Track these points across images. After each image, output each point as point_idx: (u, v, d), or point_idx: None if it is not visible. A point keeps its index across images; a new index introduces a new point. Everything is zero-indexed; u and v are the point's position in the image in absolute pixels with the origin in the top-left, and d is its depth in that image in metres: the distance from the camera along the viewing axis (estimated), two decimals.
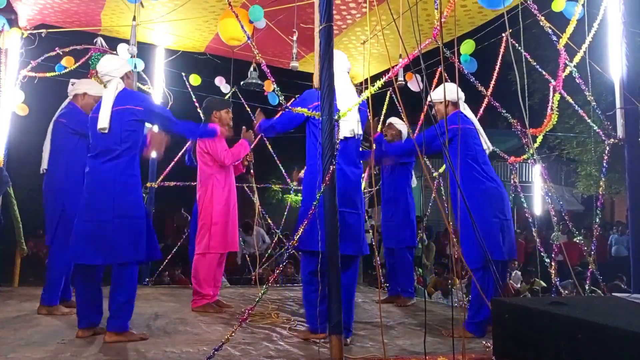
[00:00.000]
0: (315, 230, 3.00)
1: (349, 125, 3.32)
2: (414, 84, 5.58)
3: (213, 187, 4.33)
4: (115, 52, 5.63)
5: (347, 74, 3.53)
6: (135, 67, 5.66)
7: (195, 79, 6.41)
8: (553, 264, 4.18)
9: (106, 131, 3.20)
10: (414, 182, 5.12)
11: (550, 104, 3.90)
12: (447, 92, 3.64)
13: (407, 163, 4.91)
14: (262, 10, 4.48)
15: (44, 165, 4.08)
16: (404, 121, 5.07)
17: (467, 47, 5.01)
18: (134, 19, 4.51)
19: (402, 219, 4.84)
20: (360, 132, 3.42)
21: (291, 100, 6.77)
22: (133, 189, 3.26)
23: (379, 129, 5.52)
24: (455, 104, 3.77)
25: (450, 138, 3.59)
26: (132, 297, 3.22)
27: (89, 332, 3.24)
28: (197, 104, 6.35)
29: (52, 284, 3.94)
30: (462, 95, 3.83)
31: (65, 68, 5.47)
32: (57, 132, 4.06)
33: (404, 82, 5.46)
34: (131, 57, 4.40)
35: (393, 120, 5.17)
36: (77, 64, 5.54)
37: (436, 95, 3.84)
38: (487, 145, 3.81)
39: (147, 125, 3.59)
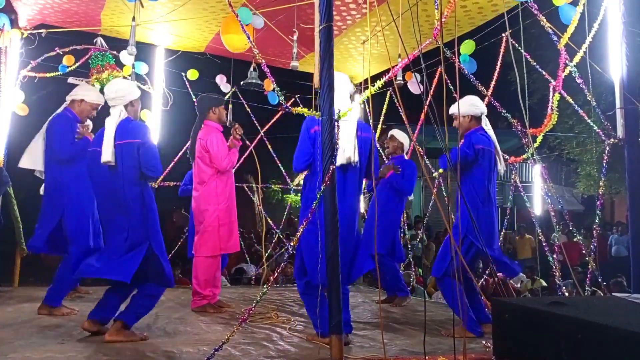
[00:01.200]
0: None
1: (346, 152, 3.16)
2: (414, 86, 5.57)
3: (217, 187, 4.29)
4: (115, 52, 5.64)
5: (348, 99, 3.32)
6: (133, 67, 5.68)
7: (192, 74, 6.41)
8: (557, 264, 4.18)
9: (112, 164, 3.18)
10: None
11: (550, 104, 3.90)
12: (470, 107, 3.62)
13: (403, 197, 4.92)
14: (250, 13, 4.46)
15: (39, 166, 4.07)
16: (404, 123, 5.05)
17: (467, 47, 5.01)
18: (134, 19, 4.51)
19: (384, 227, 4.72)
20: (357, 159, 3.21)
21: (291, 100, 6.83)
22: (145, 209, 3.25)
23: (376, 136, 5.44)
24: (478, 119, 3.72)
25: (474, 159, 3.54)
26: (152, 306, 3.31)
27: (95, 326, 3.23)
28: (196, 104, 6.34)
29: (61, 288, 3.92)
30: (484, 109, 3.77)
31: (68, 68, 5.47)
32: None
33: (402, 82, 5.46)
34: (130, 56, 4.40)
35: (395, 132, 5.08)
36: (77, 64, 5.54)
37: (458, 108, 3.66)
38: (501, 165, 3.73)
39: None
